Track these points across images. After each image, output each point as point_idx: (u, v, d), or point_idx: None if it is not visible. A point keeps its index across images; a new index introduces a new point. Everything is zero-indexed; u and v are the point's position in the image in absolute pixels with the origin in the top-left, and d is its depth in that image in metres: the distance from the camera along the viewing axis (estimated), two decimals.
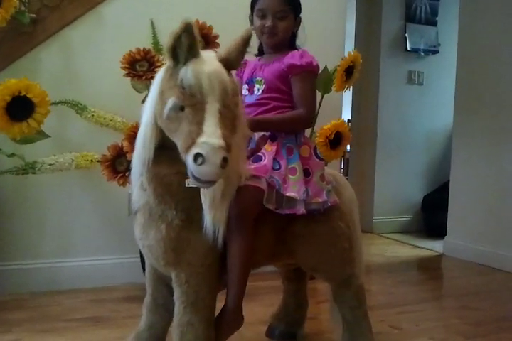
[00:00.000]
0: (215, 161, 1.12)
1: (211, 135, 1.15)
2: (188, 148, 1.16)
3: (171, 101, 1.21)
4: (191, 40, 1.22)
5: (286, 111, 1.60)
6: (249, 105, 1.64)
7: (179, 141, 1.20)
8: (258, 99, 1.63)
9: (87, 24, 2.45)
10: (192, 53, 1.23)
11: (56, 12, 2.38)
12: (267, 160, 1.49)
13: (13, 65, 2.33)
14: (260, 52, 1.75)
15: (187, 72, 1.22)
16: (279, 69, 1.61)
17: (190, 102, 1.20)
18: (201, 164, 1.13)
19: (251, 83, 1.67)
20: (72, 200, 2.46)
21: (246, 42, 1.31)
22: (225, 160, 1.13)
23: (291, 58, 1.59)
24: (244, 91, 1.68)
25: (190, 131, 1.17)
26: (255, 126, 1.49)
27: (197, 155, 1.13)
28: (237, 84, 1.32)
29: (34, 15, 2.31)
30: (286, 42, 1.68)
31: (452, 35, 3.82)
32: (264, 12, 1.62)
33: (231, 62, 1.30)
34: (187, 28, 1.21)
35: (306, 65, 1.59)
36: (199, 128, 1.16)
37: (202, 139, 1.14)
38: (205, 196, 1.31)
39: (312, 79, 1.64)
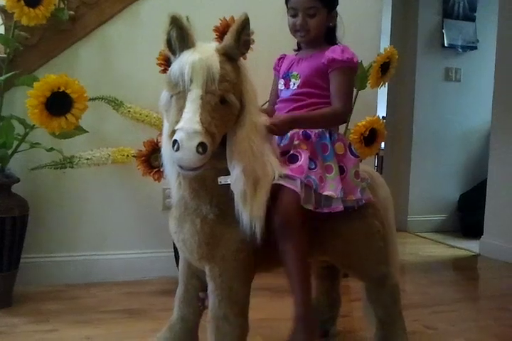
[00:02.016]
0: (189, 147, 1.13)
1: (187, 121, 1.16)
2: (170, 136, 1.18)
3: (162, 94, 1.27)
4: (180, 32, 1.26)
5: (321, 108, 1.57)
6: (284, 100, 1.64)
7: None
8: (293, 94, 1.62)
9: (125, 21, 2.48)
10: (184, 45, 1.27)
11: (94, 9, 2.41)
12: (303, 160, 1.46)
13: (52, 62, 2.37)
14: (299, 48, 1.74)
15: (174, 64, 1.26)
16: (318, 63, 1.59)
17: (175, 91, 1.23)
18: (177, 150, 1.14)
19: (287, 77, 1.66)
20: (107, 194, 2.50)
21: (242, 27, 1.29)
22: (202, 145, 1.14)
23: (332, 52, 1.57)
24: (281, 86, 1.67)
25: (172, 120, 1.21)
26: (293, 122, 1.49)
27: (174, 142, 1.15)
28: (238, 71, 1.30)
29: (73, 13, 2.35)
30: (322, 38, 1.66)
31: (491, 31, 3.74)
32: (295, 10, 1.61)
33: (229, 50, 1.29)
34: (174, 21, 1.25)
35: (347, 60, 1.56)
36: (179, 116, 1.19)
37: (179, 126, 1.16)
38: (235, 191, 1.31)
39: (351, 75, 1.61)
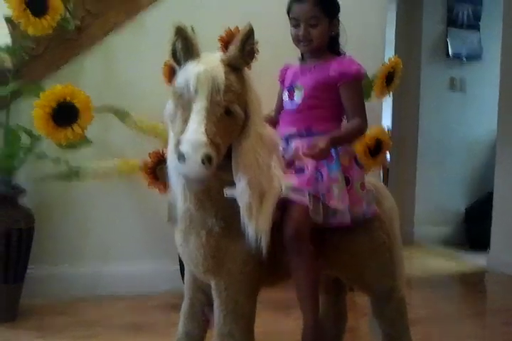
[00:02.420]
0: (194, 158, 1.13)
1: (192, 132, 1.16)
2: (175, 147, 1.18)
3: (167, 105, 1.27)
4: (185, 43, 1.26)
5: (325, 119, 1.57)
6: (289, 111, 1.63)
7: None
8: (297, 106, 1.61)
9: (130, 31, 2.49)
10: (189, 55, 1.26)
11: (99, 19, 2.42)
12: (310, 172, 1.46)
13: (58, 72, 2.38)
14: (303, 58, 1.73)
15: (179, 75, 1.26)
16: (324, 75, 1.58)
17: (180, 102, 1.23)
18: (182, 162, 1.14)
19: (291, 89, 1.65)
20: (113, 206, 2.49)
21: (246, 37, 1.29)
22: (207, 156, 1.13)
23: (341, 65, 1.57)
24: (285, 97, 1.67)
25: (177, 131, 1.21)
26: (333, 143, 1.47)
27: (179, 153, 1.15)
28: (243, 81, 1.30)
29: (78, 22, 2.36)
30: (325, 47, 1.65)
31: (496, 40, 3.72)
32: (297, 20, 1.60)
33: (234, 61, 1.29)
34: (179, 32, 1.26)
35: (357, 73, 1.56)
36: (184, 127, 1.18)
37: (184, 137, 1.15)
38: (241, 204, 1.29)
39: (361, 87, 1.62)
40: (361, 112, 1.57)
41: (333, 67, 1.57)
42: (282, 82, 1.71)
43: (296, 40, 1.63)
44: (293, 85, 1.65)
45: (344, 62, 1.58)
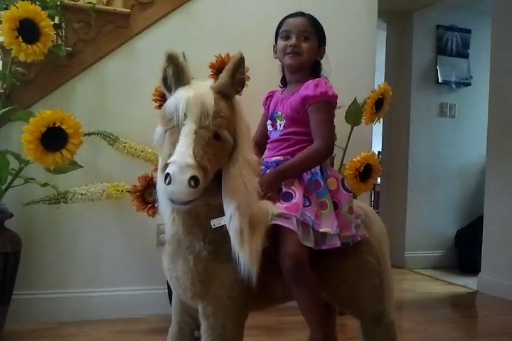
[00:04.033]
0: (181, 180, 1.12)
1: (180, 154, 1.15)
2: (162, 170, 1.18)
3: (157, 129, 1.27)
4: (176, 70, 1.27)
5: (310, 143, 1.57)
6: (275, 141, 1.64)
7: None
8: (281, 135, 1.62)
9: (121, 57, 2.51)
10: (180, 82, 1.28)
11: (91, 46, 2.45)
12: (297, 198, 1.46)
13: (48, 97, 2.39)
14: (284, 84, 1.74)
15: (169, 100, 1.27)
16: (296, 100, 1.59)
17: (169, 126, 1.24)
18: (169, 183, 1.13)
19: (273, 118, 1.67)
20: (101, 230, 2.47)
21: (237, 66, 1.31)
22: (194, 178, 1.13)
23: (305, 89, 1.58)
24: (269, 127, 1.68)
25: (166, 153, 1.21)
26: (279, 177, 1.50)
27: (166, 175, 1.14)
28: (232, 108, 1.31)
29: (70, 49, 2.38)
30: (309, 68, 1.66)
31: (484, 67, 3.78)
32: (289, 32, 1.62)
33: (224, 88, 1.30)
34: (170, 59, 1.27)
35: (320, 95, 1.56)
36: (172, 150, 1.18)
37: (171, 159, 1.15)
38: (231, 230, 1.28)
39: (328, 109, 1.60)
40: (323, 135, 1.56)
41: (301, 91, 1.58)
42: (267, 109, 1.73)
43: (283, 52, 1.63)
44: (274, 115, 1.66)
45: (309, 85, 1.58)
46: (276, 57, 1.70)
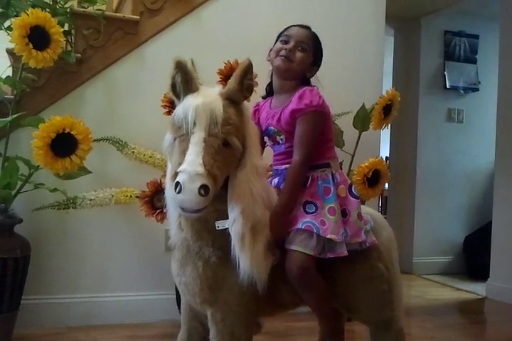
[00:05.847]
0: (191, 188, 1.13)
1: (190, 163, 1.17)
2: (173, 178, 1.19)
3: (166, 136, 1.29)
4: (184, 77, 1.28)
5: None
6: (280, 153, 1.64)
7: None
8: (286, 148, 1.61)
9: (130, 64, 2.52)
10: (188, 89, 1.29)
11: (100, 52, 2.46)
12: (298, 206, 1.49)
13: (58, 103, 2.40)
14: (269, 91, 1.71)
15: (178, 107, 1.28)
16: (287, 116, 1.57)
17: (179, 134, 1.25)
18: (179, 192, 1.14)
19: (270, 135, 1.65)
20: (110, 235, 2.48)
21: (245, 72, 1.31)
22: (204, 187, 1.14)
23: (291, 104, 1.56)
24: (269, 143, 1.68)
25: (175, 162, 1.22)
26: (284, 210, 1.47)
27: (176, 184, 1.15)
28: (241, 114, 1.31)
29: (79, 55, 2.40)
30: (298, 80, 1.63)
31: (492, 72, 3.77)
32: (289, 38, 1.62)
33: (233, 94, 1.31)
34: (178, 66, 1.28)
35: (305, 107, 1.53)
36: (182, 158, 1.19)
37: (181, 168, 1.16)
38: (233, 234, 1.29)
39: (313, 119, 1.55)
40: (301, 149, 1.53)
41: (290, 106, 1.57)
42: (257, 123, 1.67)
43: (277, 53, 1.62)
44: (270, 131, 1.64)
45: (294, 100, 1.56)
46: (268, 60, 1.68)
